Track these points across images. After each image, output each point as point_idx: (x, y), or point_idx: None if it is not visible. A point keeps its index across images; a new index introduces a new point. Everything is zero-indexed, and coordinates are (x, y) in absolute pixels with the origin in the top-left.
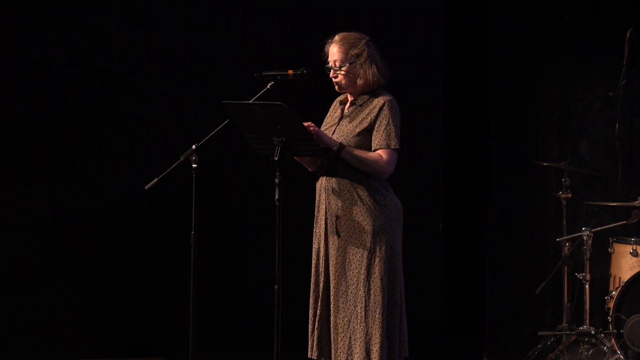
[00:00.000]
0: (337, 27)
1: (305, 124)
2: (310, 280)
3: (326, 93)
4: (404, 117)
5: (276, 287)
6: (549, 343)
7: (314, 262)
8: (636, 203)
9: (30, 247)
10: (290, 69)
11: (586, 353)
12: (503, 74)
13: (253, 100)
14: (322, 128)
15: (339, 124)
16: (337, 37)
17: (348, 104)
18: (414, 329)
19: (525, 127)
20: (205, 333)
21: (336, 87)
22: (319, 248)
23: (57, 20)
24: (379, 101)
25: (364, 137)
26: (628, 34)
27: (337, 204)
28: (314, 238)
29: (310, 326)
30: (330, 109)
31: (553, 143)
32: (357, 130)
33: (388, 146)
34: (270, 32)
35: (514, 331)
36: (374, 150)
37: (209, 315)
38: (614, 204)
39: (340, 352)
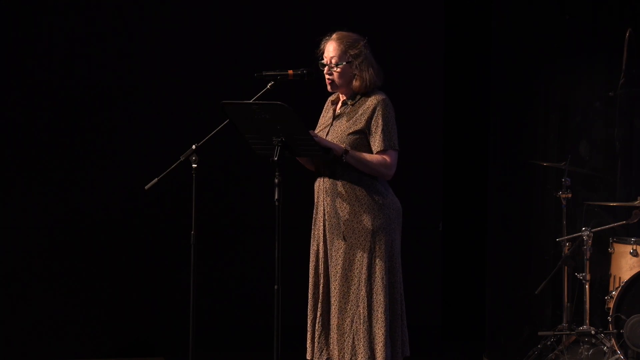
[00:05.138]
0: (337, 27)
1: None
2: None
3: (326, 93)
4: (403, 117)
5: (276, 287)
6: (549, 343)
7: (312, 264)
8: (636, 203)
9: (30, 247)
10: (290, 69)
11: (586, 353)
12: (503, 74)
13: (253, 100)
14: (317, 130)
15: (332, 124)
16: (335, 35)
17: (340, 104)
18: (414, 329)
19: (525, 127)
20: (205, 333)
21: (328, 85)
22: (317, 250)
23: (57, 19)
24: (372, 101)
25: (359, 137)
26: (627, 34)
27: (336, 205)
28: (312, 240)
29: (310, 328)
30: (323, 110)
31: (553, 143)
32: (351, 130)
33: (389, 148)
34: (270, 32)
35: (514, 331)
36: (376, 153)
37: (209, 315)
38: (614, 204)
39: (344, 353)
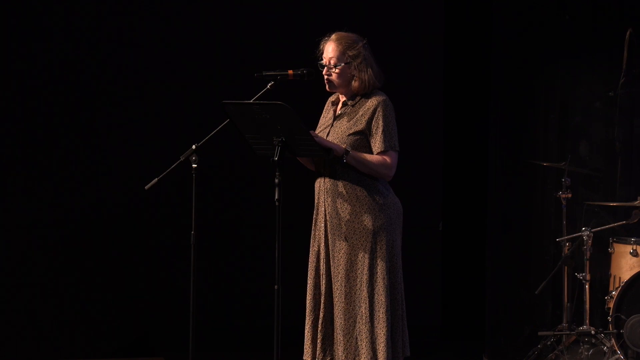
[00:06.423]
0: (337, 27)
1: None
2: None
3: (326, 93)
4: (403, 118)
5: (276, 287)
6: (549, 343)
7: (312, 264)
8: (636, 203)
9: (30, 247)
10: (290, 69)
11: (586, 353)
12: (503, 74)
13: (253, 100)
14: (317, 130)
15: (332, 125)
16: (334, 36)
17: (340, 105)
18: (414, 329)
19: (525, 127)
20: (205, 333)
21: (327, 85)
22: (318, 250)
23: (57, 19)
24: (372, 102)
25: (359, 138)
26: (628, 34)
27: (337, 206)
28: (312, 240)
29: (309, 330)
30: (323, 110)
31: (553, 143)
32: (352, 131)
33: (390, 148)
34: (270, 32)
35: (514, 331)
36: (376, 154)
37: (209, 315)
38: (614, 204)
39: (347, 353)
